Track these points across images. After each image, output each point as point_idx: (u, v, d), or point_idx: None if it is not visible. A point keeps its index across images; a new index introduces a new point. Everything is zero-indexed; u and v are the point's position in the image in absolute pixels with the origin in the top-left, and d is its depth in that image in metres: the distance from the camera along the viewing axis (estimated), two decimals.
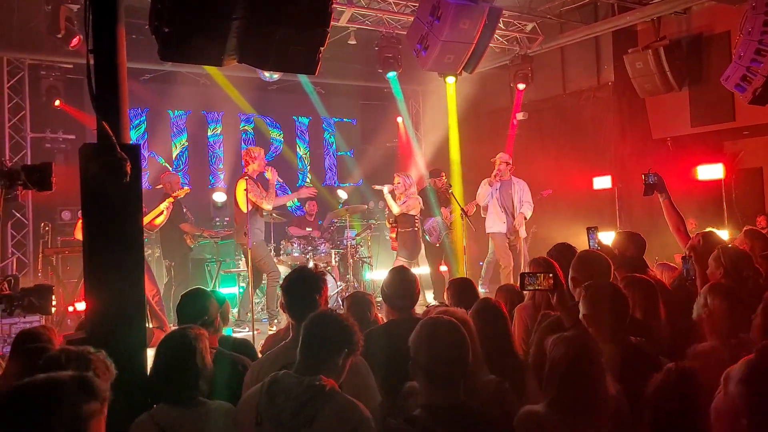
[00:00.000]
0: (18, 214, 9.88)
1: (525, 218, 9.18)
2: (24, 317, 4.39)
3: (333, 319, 2.71)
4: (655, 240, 7.22)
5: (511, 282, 7.73)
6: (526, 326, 4.06)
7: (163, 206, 8.26)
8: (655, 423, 2.31)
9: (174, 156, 12.04)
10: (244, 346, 3.82)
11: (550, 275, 3.30)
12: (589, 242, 4.66)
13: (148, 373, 2.93)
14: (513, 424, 2.60)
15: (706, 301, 3.18)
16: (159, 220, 8.33)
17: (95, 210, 3.07)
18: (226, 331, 3.85)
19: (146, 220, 7.95)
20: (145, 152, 11.37)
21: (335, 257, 10.00)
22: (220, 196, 10.65)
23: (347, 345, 2.67)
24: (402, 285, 3.88)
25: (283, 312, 3.42)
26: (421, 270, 9.60)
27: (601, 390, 2.58)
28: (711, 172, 8.95)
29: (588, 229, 4.74)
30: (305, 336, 2.66)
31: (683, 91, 9.50)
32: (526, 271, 3.58)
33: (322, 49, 3.82)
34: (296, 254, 9.88)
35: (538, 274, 3.34)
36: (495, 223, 9.22)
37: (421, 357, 2.54)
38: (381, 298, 3.99)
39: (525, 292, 3.79)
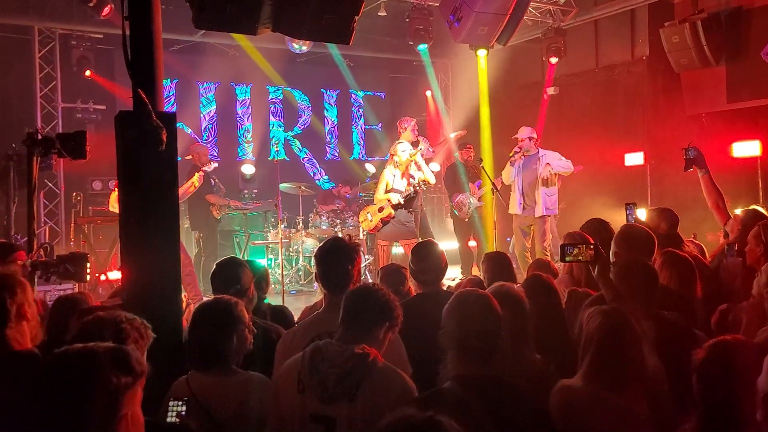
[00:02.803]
0: (50, 184, 10.00)
1: (551, 169, 8.45)
2: (59, 284, 4.44)
3: (376, 293, 2.72)
4: (688, 217, 7.11)
5: (516, 266, 7.39)
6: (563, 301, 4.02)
7: (194, 179, 8.39)
8: (703, 397, 2.27)
9: (202, 127, 12.08)
10: (280, 314, 3.83)
11: (591, 246, 3.23)
12: (627, 218, 4.60)
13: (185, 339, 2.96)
14: (549, 401, 2.58)
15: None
16: (190, 191, 8.48)
17: (131, 178, 3.08)
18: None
19: (180, 191, 8.04)
20: None
21: (363, 231, 9.99)
22: (248, 168, 10.67)
23: (388, 319, 2.68)
24: (427, 260, 3.89)
25: (317, 282, 3.42)
26: (449, 245, 9.54)
27: (636, 362, 2.56)
28: (747, 149, 8.72)
29: (626, 204, 4.69)
30: (348, 307, 2.68)
31: (720, 66, 9.26)
32: (565, 243, 3.52)
33: (356, 18, 3.78)
34: (324, 227, 9.92)
35: (578, 245, 3.28)
36: (513, 204, 8.76)
37: (452, 329, 2.54)
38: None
39: (564, 263, 3.73)
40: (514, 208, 8.76)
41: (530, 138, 8.67)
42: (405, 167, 7.90)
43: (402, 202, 7.86)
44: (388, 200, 7.86)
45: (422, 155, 8.26)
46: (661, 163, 9.68)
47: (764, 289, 3.10)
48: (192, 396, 2.65)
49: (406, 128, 8.44)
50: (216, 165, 9.05)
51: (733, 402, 2.15)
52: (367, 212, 8.08)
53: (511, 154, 8.65)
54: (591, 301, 3.30)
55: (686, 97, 9.94)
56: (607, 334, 2.56)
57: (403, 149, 7.91)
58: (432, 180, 8.23)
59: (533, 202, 8.56)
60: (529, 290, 3.28)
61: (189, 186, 8.36)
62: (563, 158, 8.63)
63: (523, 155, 8.64)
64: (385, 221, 7.96)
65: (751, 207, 4.54)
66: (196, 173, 8.44)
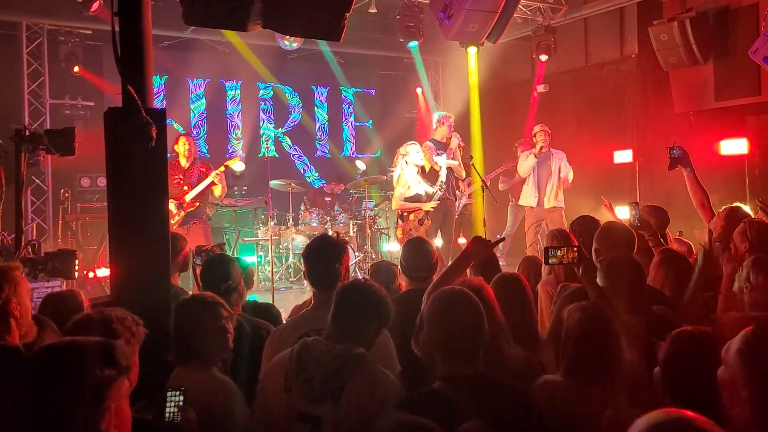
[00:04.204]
0: (38, 180, 9.92)
1: (569, 182, 9.09)
2: (47, 281, 4.43)
3: (367, 290, 2.71)
4: (677, 214, 7.15)
5: (504, 263, 7.69)
6: (552, 300, 4.04)
7: (212, 177, 8.11)
8: (669, 385, 2.31)
9: (192, 124, 12.03)
10: (267, 311, 3.84)
11: (574, 248, 3.25)
12: (632, 218, 4.61)
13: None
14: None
15: (748, 275, 3.12)
16: (218, 191, 8.27)
17: (120, 174, 3.08)
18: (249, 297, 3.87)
19: (196, 191, 8.02)
20: None
21: (353, 228, 10.01)
22: (238, 165, 10.62)
23: (379, 317, 2.67)
24: (418, 256, 3.89)
25: (305, 280, 3.42)
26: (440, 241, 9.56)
27: (615, 357, 2.59)
28: (734, 147, 8.79)
29: (630, 204, 4.71)
30: (338, 305, 2.66)
31: (708, 65, 9.31)
32: (549, 245, 3.54)
33: (347, 14, 3.79)
34: (314, 224, 9.92)
35: (561, 248, 3.29)
36: (528, 197, 9.12)
37: (435, 330, 2.52)
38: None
39: (548, 265, 3.76)
40: (530, 200, 9.08)
41: (547, 133, 9.03)
42: (429, 165, 7.89)
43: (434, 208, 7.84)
44: (423, 211, 7.74)
45: (459, 148, 8.37)
46: (650, 161, 9.74)
47: (744, 284, 3.14)
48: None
49: (443, 123, 8.51)
50: (239, 158, 9.08)
51: (696, 392, 2.18)
52: (410, 229, 7.90)
53: (538, 148, 8.98)
54: (569, 295, 3.32)
55: (675, 95, 9.99)
56: (586, 330, 2.59)
57: (416, 150, 7.82)
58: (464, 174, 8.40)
59: (545, 196, 8.95)
60: (497, 287, 3.29)
61: (209, 184, 8.14)
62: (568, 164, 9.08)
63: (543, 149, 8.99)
64: (426, 230, 7.81)
65: (734, 204, 4.58)
66: (214, 171, 8.20)
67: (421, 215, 7.74)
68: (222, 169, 8.27)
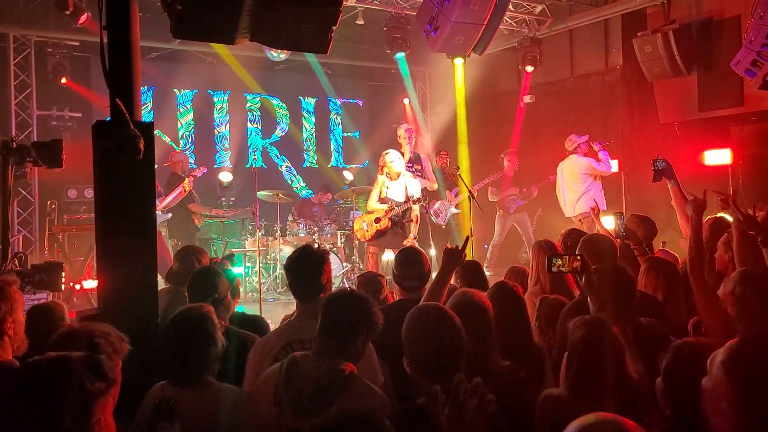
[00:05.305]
0: (24, 192, 9.87)
1: None
2: (34, 294, 4.41)
3: (354, 300, 2.69)
4: (665, 225, 7.23)
5: (492, 273, 7.84)
6: (535, 310, 4.06)
7: (185, 184, 8.63)
8: (672, 399, 2.32)
9: (180, 135, 12.02)
10: (255, 323, 3.83)
11: (578, 257, 3.23)
12: (618, 227, 4.64)
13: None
14: (531, 410, 2.60)
15: (734, 288, 3.13)
16: (181, 197, 8.76)
17: (108, 186, 3.09)
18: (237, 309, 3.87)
19: (170, 198, 8.44)
20: None
21: (341, 238, 10.02)
22: (226, 176, 10.65)
23: (367, 327, 2.65)
24: (410, 266, 3.90)
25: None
26: (434, 251, 9.66)
27: (620, 372, 2.59)
28: (718, 157, 8.90)
29: (616, 213, 4.75)
30: (326, 317, 2.64)
31: (692, 76, 9.42)
32: (550, 254, 3.54)
33: (334, 28, 3.82)
34: (302, 235, 9.91)
35: (564, 256, 3.27)
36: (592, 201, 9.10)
37: (411, 349, 2.53)
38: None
39: (550, 273, 3.75)
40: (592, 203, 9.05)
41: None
42: (397, 175, 7.99)
43: (400, 215, 7.89)
44: (386, 212, 7.84)
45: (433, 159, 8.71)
46: (635, 171, 9.82)
47: (729, 297, 3.16)
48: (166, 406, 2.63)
49: (404, 138, 8.86)
50: (206, 170, 9.20)
51: (696, 402, 2.20)
52: (363, 221, 8.02)
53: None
54: (569, 310, 3.32)
55: (659, 105, 10.09)
56: (591, 345, 2.59)
57: (391, 159, 7.94)
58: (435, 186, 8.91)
59: None
60: (494, 298, 3.30)
61: (180, 192, 8.44)
62: None
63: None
64: (381, 232, 7.91)
65: (719, 215, 4.64)
66: (187, 178, 8.49)
67: (381, 214, 7.89)
68: (187, 180, 8.81)
